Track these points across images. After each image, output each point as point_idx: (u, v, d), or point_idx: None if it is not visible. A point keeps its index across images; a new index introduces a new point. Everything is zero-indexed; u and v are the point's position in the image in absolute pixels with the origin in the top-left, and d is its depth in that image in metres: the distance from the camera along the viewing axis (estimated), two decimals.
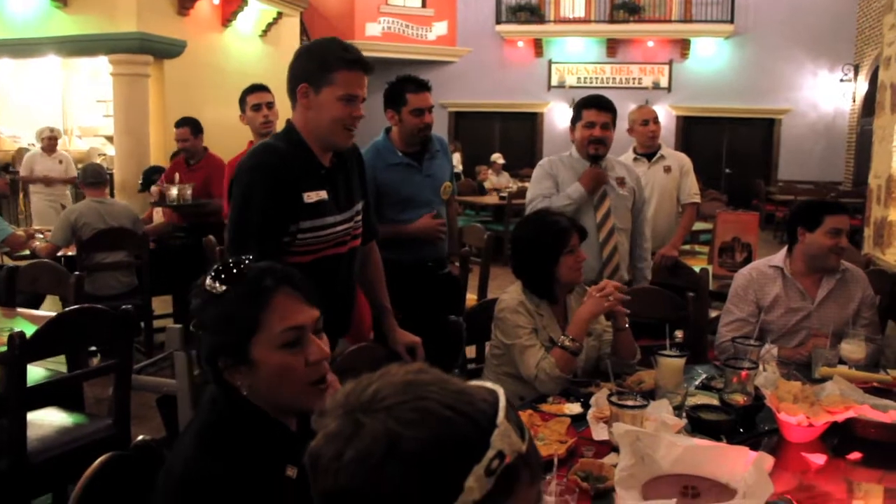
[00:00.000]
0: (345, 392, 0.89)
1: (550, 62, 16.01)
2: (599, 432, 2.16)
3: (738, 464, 1.84)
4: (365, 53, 2.47)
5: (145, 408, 4.02)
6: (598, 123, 3.55)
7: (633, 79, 15.65)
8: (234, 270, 1.46)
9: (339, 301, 2.57)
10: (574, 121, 3.66)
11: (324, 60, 2.35)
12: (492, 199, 10.45)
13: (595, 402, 2.32)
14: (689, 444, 1.90)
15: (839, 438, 2.22)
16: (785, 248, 3.23)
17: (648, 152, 4.70)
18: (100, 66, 9.95)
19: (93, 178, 5.18)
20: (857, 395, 2.35)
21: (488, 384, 0.91)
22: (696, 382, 2.63)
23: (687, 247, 5.46)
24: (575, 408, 2.37)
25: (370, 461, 0.82)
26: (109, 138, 10.52)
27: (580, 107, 3.63)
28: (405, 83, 3.56)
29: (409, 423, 0.83)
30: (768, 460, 1.82)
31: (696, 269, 4.38)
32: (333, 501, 0.85)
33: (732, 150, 15.28)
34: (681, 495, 1.76)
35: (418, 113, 3.51)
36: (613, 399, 2.09)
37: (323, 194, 2.44)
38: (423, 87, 3.56)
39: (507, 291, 2.81)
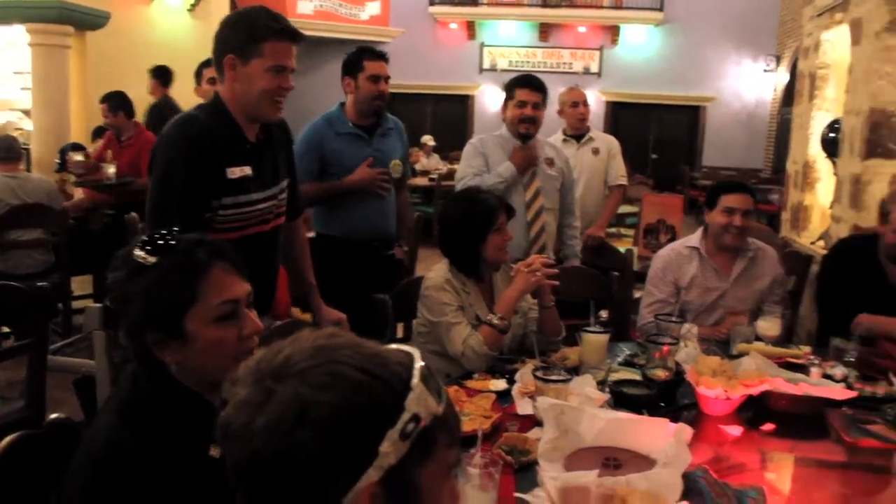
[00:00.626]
0: (256, 359, 0.87)
1: (483, 45, 16.03)
2: (524, 407, 2.17)
3: (658, 435, 1.88)
4: None
5: (61, 390, 3.88)
6: (530, 103, 3.58)
7: (565, 63, 15.79)
8: (166, 241, 1.41)
9: (262, 279, 2.52)
10: (506, 100, 3.68)
11: (251, 30, 2.28)
12: (421, 181, 10.42)
13: (520, 378, 2.34)
14: (611, 417, 1.93)
15: (754, 411, 2.29)
16: (701, 229, 3.31)
17: (577, 134, 4.75)
18: (17, 36, 9.53)
19: (4, 152, 4.95)
20: (772, 369, 2.43)
21: (406, 347, 0.90)
22: (620, 359, 2.67)
23: (613, 229, 5.54)
24: (500, 384, 2.39)
25: (281, 428, 0.80)
26: (27, 112, 10.11)
27: (512, 86, 3.65)
28: (363, 51, 3.57)
29: (321, 388, 0.81)
30: (687, 431, 1.86)
31: (622, 250, 4.45)
32: (246, 471, 0.83)
33: (659, 136, 15.58)
34: (603, 466, 1.79)
35: (374, 79, 3.49)
36: (538, 374, 2.11)
37: (247, 170, 2.38)
38: (381, 56, 3.57)
39: (434, 269, 2.81)
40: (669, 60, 15.26)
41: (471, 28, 16.00)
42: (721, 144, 15.20)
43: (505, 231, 2.77)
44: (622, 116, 15.51)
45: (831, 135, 4.71)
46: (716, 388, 2.22)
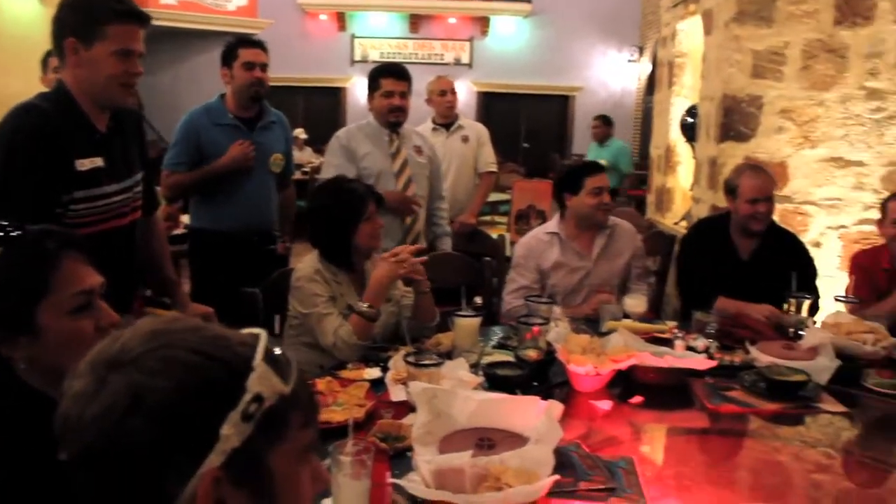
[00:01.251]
0: (94, 350, 0.82)
1: (353, 36, 15.87)
2: (397, 394, 2.16)
3: (530, 413, 1.90)
4: (159, 23, 2.30)
5: None
6: (397, 92, 3.57)
7: (436, 55, 15.83)
8: (7, 233, 1.32)
9: (120, 276, 2.40)
10: (372, 90, 3.65)
11: (91, 12, 2.15)
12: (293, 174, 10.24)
13: (393, 365, 2.33)
14: (483, 399, 1.94)
15: (624, 385, 2.36)
16: (558, 215, 3.40)
17: (446, 122, 4.76)
18: None
19: None
20: (639, 344, 2.51)
21: (255, 329, 0.87)
22: (493, 342, 2.70)
23: (488, 217, 5.61)
24: (374, 372, 2.36)
25: (111, 417, 0.76)
26: None
27: (377, 76, 3.63)
28: (239, 40, 3.53)
29: (153, 374, 0.78)
30: (558, 408, 1.89)
31: (494, 236, 4.50)
32: (81, 464, 0.78)
33: (530, 126, 15.86)
34: (476, 447, 1.79)
35: (249, 67, 3.43)
36: (410, 360, 2.09)
37: (98, 161, 2.25)
38: (256, 44, 3.52)
39: (303, 261, 2.75)
40: (538, 51, 15.55)
41: (341, 19, 15.81)
42: (590, 132, 15.65)
43: (375, 219, 2.74)
44: (494, 107, 15.70)
45: (689, 120, 4.92)
46: (586, 365, 2.27)
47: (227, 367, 0.80)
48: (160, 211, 2.81)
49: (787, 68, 4.23)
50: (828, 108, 4.20)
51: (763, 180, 3.27)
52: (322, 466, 0.94)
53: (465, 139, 4.74)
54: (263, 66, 3.49)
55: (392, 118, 3.58)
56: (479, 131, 4.85)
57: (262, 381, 0.80)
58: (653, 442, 2.21)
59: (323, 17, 15.97)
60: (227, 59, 3.47)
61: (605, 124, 9.02)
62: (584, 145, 15.48)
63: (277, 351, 0.85)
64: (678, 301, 3.46)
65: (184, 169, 3.38)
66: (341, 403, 2.10)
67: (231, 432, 0.77)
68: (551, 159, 13.91)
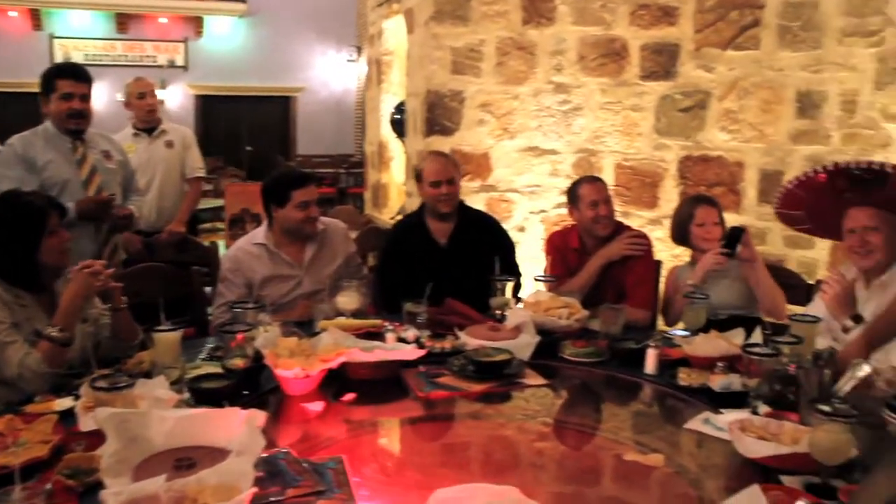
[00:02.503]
0: None
1: (52, 36, 14.58)
2: (87, 423, 1.96)
3: (232, 426, 1.81)
4: None
5: None
6: (77, 95, 3.31)
7: (148, 57, 14.98)
8: None
9: None
10: (47, 92, 3.33)
11: None
12: None
13: (84, 392, 2.13)
14: (180, 416, 1.83)
15: (338, 384, 2.34)
16: (265, 224, 3.28)
17: (148, 127, 4.49)
18: None
19: None
20: (349, 341, 2.50)
21: None
22: (203, 354, 2.57)
23: (209, 224, 5.39)
24: (66, 402, 2.14)
25: None
26: None
27: (51, 77, 3.33)
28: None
29: None
30: (259, 417, 1.82)
31: (207, 244, 4.32)
32: None
33: (252, 128, 15.51)
34: (174, 469, 1.68)
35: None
36: (97, 384, 1.93)
37: None
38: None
39: None
40: (257, 52, 15.24)
41: (35, 16, 14.44)
42: (313, 133, 15.59)
43: (60, 232, 2.50)
44: (213, 110, 15.17)
45: (397, 116, 5.04)
46: (293, 368, 2.22)
47: None
48: None
49: (484, 64, 4.47)
50: (522, 101, 4.50)
51: (442, 163, 3.40)
52: None
53: (170, 144, 4.49)
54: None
55: (72, 125, 3.30)
56: (184, 135, 4.62)
57: None
58: (367, 437, 2.20)
59: (13, 13, 14.48)
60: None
61: None
62: (308, 146, 15.47)
63: None
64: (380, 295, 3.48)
65: None
66: (23, 443, 1.88)
67: None
68: (276, 161, 13.72)
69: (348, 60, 15.27)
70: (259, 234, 3.25)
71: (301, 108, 15.75)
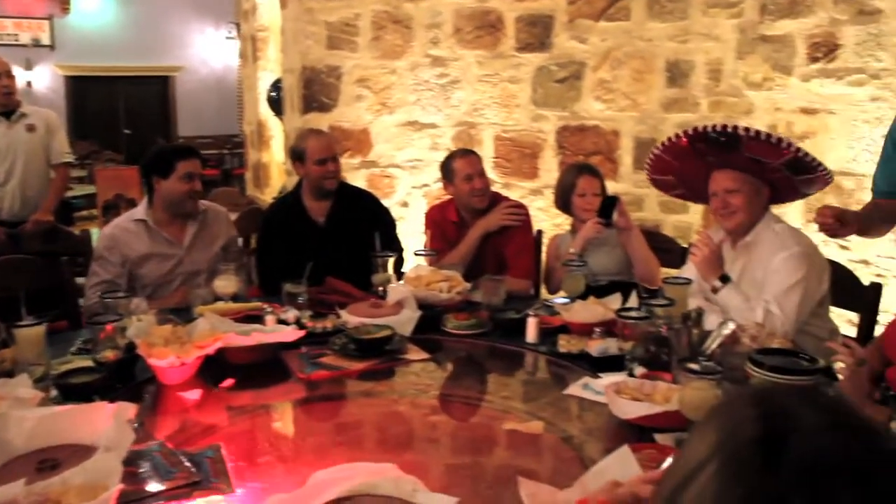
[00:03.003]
0: None
1: None
2: None
3: (99, 421, 1.75)
4: None
5: None
6: None
7: (9, 35, 14.12)
8: None
9: None
10: None
11: None
12: None
13: None
14: (42, 415, 1.75)
15: (217, 370, 2.28)
16: (146, 200, 3.19)
17: (5, 110, 4.23)
18: None
19: None
20: (226, 325, 2.44)
21: None
22: (73, 348, 2.46)
23: (86, 212, 5.17)
24: None
25: None
26: None
27: None
28: None
29: None
30: (128, 409, 1.77)
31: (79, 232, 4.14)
32: None
33: (130, 110, 14.91)
34: (36, 471, 1.61)
35: None
36: None
37: None
38: None
39: None
40: (132, 30, 14.61)
41: None
42: (195, 113, 15.13)
43: None
44: (86, 92, 14.48)
45: (273, 94, 4.93)
46: (168, 357, 2.15)
47: None
48: None
49: (360, 39, 4.41)
50: (400, 75, 4.47)
51: (328, 140, 3.40)
52: None
53: (31, 128, 4.25)
54: None
55: None
56: (47, 118, 4.37)
57: None
58: (250, 422, 2.16)
59: None
60: None
61: None
62: (189, 127, 14.99)
63: None
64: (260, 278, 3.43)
65: None
66: None
67: None
68: (156, 144, 13.25)
69: (227, 37, 14.84)
70: (139, 210, 3.16)
71: (181, 87, 15.24)
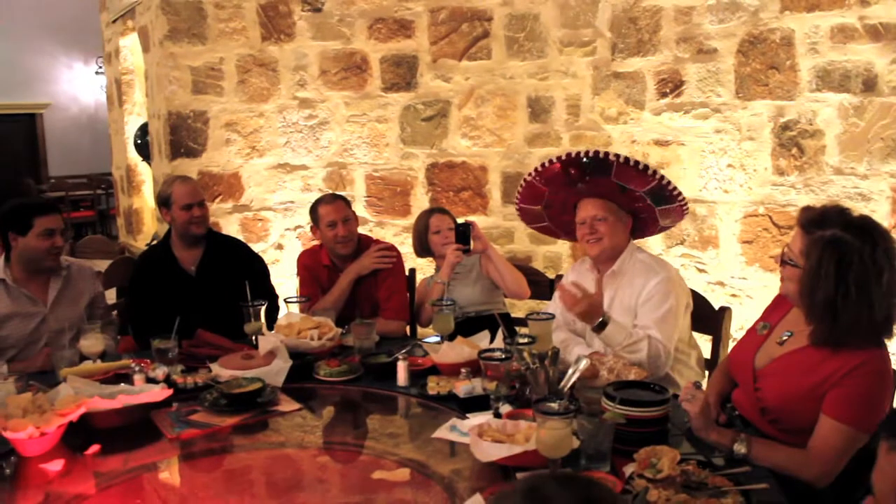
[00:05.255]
0: None
1: None
2: None
3: None
4: None
5: None
6: None
7: None
8: None
9: None
10: None
11: None
12: None
13: None
14: None
15: (84, 436, 2.23)
16: (2, 257, 3.09)
17: None
18: None
19: None
20: (91, 388, 2.40)
21: None
22: None
23: None
24: None
25: None
26: None
27: None
28: None
29: None
30: None
31: None
32: None
33: None
34: None
35: None
36: None
37: None
38: None
39: None
40: None
41: None
42: (66, 151, 14.55)
43: None
44: None
45: (139, 142, 4.85)
46: (26, 428, 2.10)
47: None
48: None
49: (226, 83, 4.41)
50: (268, 118, 4.49)
51: (193, 185, 3.41)
52: None
53: None
54: None
55: None
56: None
57: None
58: (120, 487, 2.13)
59: None
60: None
61: None
62: (61, 166, 14.43)
63: None
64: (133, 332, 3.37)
65: None
66: None
67: None
68: (24, 185, 12.68)
69: (97, 72, 14.41)
70: None
71: (49, 125, 14.66)
